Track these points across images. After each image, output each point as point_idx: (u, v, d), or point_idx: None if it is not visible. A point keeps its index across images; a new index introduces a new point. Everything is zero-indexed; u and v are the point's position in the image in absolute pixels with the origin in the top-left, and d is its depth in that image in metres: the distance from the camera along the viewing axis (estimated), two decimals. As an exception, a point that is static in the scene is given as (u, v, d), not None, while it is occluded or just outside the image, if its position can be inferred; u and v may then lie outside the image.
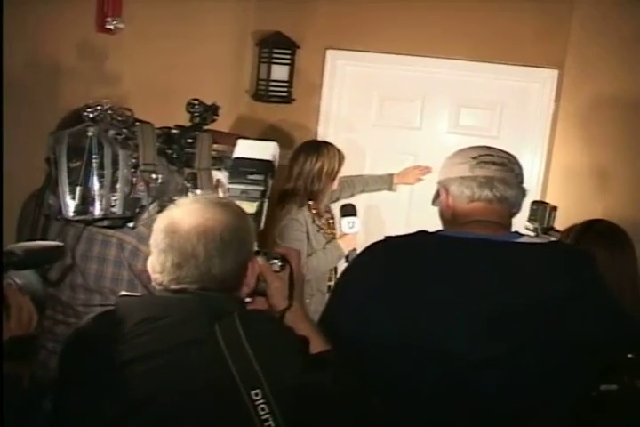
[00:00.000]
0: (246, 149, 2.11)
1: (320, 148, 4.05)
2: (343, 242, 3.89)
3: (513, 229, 2.07)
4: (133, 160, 2.25)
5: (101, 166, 2.20)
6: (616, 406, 2.06)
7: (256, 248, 1.82)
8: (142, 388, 1.58)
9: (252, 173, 2.04)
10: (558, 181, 4.86)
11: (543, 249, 1.98)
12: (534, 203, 3.36)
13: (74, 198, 2.21)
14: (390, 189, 4.64)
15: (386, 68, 5.11)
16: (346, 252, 3.84)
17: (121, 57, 3.56)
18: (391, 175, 4.63)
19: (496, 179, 2.01)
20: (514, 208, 2.06)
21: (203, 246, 1.67)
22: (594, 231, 2.75)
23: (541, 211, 3.26)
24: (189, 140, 2.36)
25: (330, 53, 5.13)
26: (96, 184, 2.20)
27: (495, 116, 5.08)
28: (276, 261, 1.86)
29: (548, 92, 4.92)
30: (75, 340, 1.76)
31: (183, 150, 2.36)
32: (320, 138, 4.92)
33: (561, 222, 3.20)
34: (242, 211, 1.81)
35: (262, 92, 5.07)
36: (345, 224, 3.86)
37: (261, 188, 2.03)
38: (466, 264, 1.91)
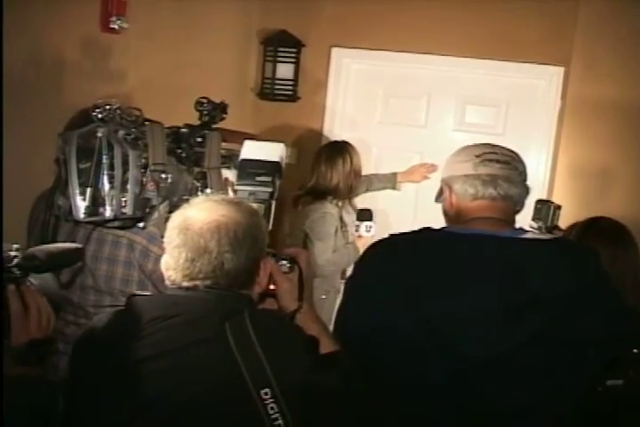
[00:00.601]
0: (253, 150, 2.11)
1: (347, 147, 4.21)
2: (360, 245, 4.01)
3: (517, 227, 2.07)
4: (143, 160, 2.25)
5: (111, 167, 2.19)
6: (622, 401, 2.06)
7: None
8: (154, 387, 1.58)
9: (260, 175, 2.04)
10: (564, 179, 4.84)
11: (548, 245, 1.99)
12: (538, 202, 3.35)
13: (84, 200, 2.20)
14: (394, 187, 4.65)
15: (391, 65, 5.10)
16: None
17: (125, 56, 3.56)
18: (395, 174, 4.64)
19: (500, 177, 2.01)
20: (517, 206, 2.07)
21: (216, 242, 1.68)
22: (596, 229, 2.75)
23: (545, 210, 3.26)
24: (198, 139, 2.35)
25: (335, 51, 5.13)
26: (106, 185, 2.19)
27: (501, 113, 5.07)
28: (284, 262, 1.87)
29: (554, 90, 4.90)
30: (85, 340, 1.76)
31: (192, 149, 2.35)
32: (325, 136, 4.92)
33: (567, 221, 3.20)
34: (254, 209, 1.83)
35: (268, 90, 5.08)
36: (363, 228, 4.02)
37: (269, 189, 2.03)
38: (471, 260, 1.92)
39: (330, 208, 4.00)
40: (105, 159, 2.18)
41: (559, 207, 3.27)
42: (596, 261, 2.01)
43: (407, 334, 1.91)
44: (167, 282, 1.75)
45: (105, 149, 2.18)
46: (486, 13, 4.82)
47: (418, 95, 5.15)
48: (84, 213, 2.17)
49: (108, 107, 2.20)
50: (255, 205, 1.91)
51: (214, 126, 2.46)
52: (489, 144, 2.10)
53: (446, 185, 2.10)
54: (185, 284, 1.70)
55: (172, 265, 1.72)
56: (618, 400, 2.04)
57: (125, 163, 2.19)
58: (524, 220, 2.62)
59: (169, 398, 1.56)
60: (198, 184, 2.39)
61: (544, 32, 4.80)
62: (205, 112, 2.46)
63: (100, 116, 2.18)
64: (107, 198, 2.18)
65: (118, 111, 2.22)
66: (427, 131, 5.16)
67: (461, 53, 4.92)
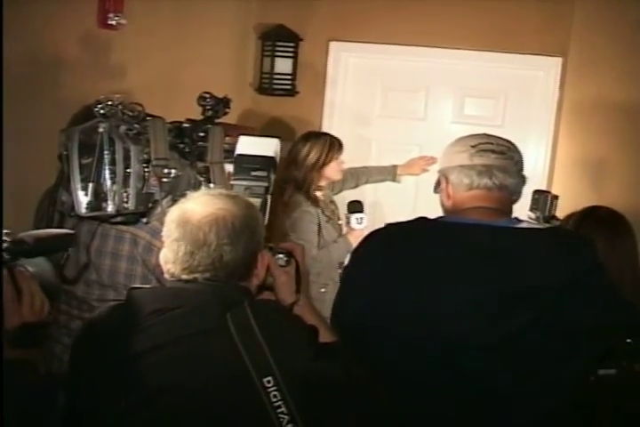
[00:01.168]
0: (248, 145, 2.13)
1: (309, 137, 4.09)
2: (352, 237, 3.92)
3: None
4: (145, 155, 2.26)
5: (113, 162, 2.21)
6: (614, 391, 2.07)
7: None
8: (156, 378, 1.59)
9: (255, 170, 2.06)
10: (564, 170, 4.85)
11: (542, 234, 2.01)
12: (536, 192, 3.35)
13: (86, 195, 2.22)
14: (394, 179, 4.64)
15: (389, 58, 5.11)
16: (354, 246, 3.85)
17: (124, 52, 3.56)
18: (395, 166, 4.63)
19: (495, 167, 2.02)
20: (514, 195, 2.08)
21: (215, 234, 1.70)
22: (593, 218, 2.75)
23: (543, 200, 3.26)
24: (201, 134, 2.37)
25: (333, 45, 5.13)
26: (108, 180, 2.21)
27: (499, 105, 5.07)
28: (281, 255, 1.90)
29: (552, 81, 4.90)
30: (85, 334, 1.78)
31: (195, 144, 2.37)
32: (325, 130, 4.92)
33: (566, 212, 3.21)
34: (251, 203, 1.85)
35: (266, 85, 5.08)
36: (354, 220, 3.92)
37: (265, 184, 2.05)
38: (464, 249, 1.93)
39: (306, 206, 3.92)
40: (106, 154, 2.19)
41: (556, 197, 3.27)
42: (590, 250, 2.02)
43: (401, 322, 1.92)
44: (166, 275, 1.78)
45: (106, 144, 2.19)
46: (483, 5, 4.82)
47: (416, 88, 5.16)
48: (86, 208, 2.19)
49: (110, 102, 2.22)
50: (251, 200, 1.92)
51: (217, 121, 2.48)
52: (485, 134, 2.11)
53: (443, 176, 2.11)
54: (184, 277, 1.73)
55: (171, 258, 1.74)
56: (610, 390, 2.05)
57: (127, 158, 2.21)
58: (522, 210, 2.63)
59: (172, 389, 1.58)
60: (202, 179, 2.40)
61: (541, 23, 4.80)
62: (208, 107, 2.48)
63: (101, 111, 2.20)
64: (109, 193, 2.20)
65: (120, 107, 2.24)
66: (426, 123, 5.17)
67: (459, 45, 4.92)
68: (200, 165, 2.37)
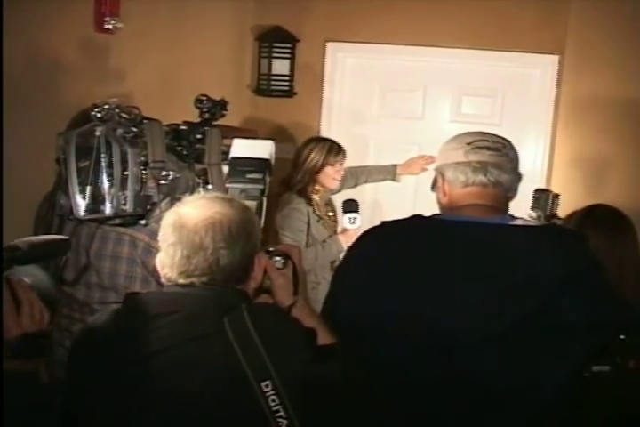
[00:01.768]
0: (243, 148, 2.13)
1: (310, 142, 4.11)
2: (344, 237, 3.90)
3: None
4: (142, 158, 2.27)
5: (110, 165, 2.21)
6: (608, 388, 2.07)
7: None
8: (154, 383, 1.59)
9: (250, 172, 2.06)
10: (562, 168, 4.85)
11: (537, 231, 2.02)
12: (537, 191, 3.36)
13: (84, 198, 2.22)
14: (394, 179, 4.64)
15: (386, 58, 5.12)
16: (345, 247, 3.84)
17: (121, 55, 3.57)
18: (395, 166, 4.62)
19: (490, 164, 2.03)
20: (509, 193, 2.08)
21: (211, 238, 1.69)
22: (594, 216, 2.75)
23: (544, 198, 3.26)
24: (198, 136, 2.38)
25: (330, 46, 5.14)
26: (105, 183, 2.22)
27: (497, 103, 5.08)
28: (278, 258, 1.88)
29: (549, 78, 4.91)
30: (84, 339, 1.77)
31: (193, 146, 2.37)
32: (323, 130, 4.93)
33: (565, 210, 3.21)
34: (246, 206, 1.84)
35: (264, 86, 5.09)
36: (346, 220, 3.90)
37: (260, 186, 2.05)
38: (459, 246, 1.94)
39: (296, 203, 3.93)
40: (104, 157, 2.20)
41: (557, 196, 3.28)
42: (584, 247, 2.03)
43: (396, 321, 1.92)
44: (163, 280, 1.77)
45: (103, 147, 2.20)
46: (480, 4, 4.82)
47: (414, 87, 5.17)
48: (85, 211, 2.19)
49: (106, 106, 2.22)
50: (249, 202, 1.92)
51: (214, 123, 2.48)
52: (480, 132, 2.12)
53: (439, 173, 2.12)
54: (181, 281, 1.72)
55: (168, 263, 1.73)
56: (604, 386, 2.05)
57: (124, 161, 2.21)
58: (524, 209, 2.63)
59: (171, 394, 1.58)
60: (200, 181, 2.41)
61: (538, 21, 4.81)
62: (205, 109, 2.48)
63: (98, 115, 2.20)
64: (106, 196, 2.20)
65: (117, 110, 2.24)
66: (424, 123, 5.18)
67: (456, 44, 4.92)
68: (198, 167, 2.38)
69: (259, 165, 2.08)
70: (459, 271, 1.91)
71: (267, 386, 1.55)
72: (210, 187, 2.31)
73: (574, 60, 4.73)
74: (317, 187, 4.04)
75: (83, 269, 2.44)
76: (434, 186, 2.17)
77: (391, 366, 1.89)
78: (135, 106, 2.30)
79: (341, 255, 3.87)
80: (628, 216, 2.78)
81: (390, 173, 4.61)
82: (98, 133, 2.20)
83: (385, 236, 2.07)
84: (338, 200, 4.22)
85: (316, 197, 4.05)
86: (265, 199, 2.08)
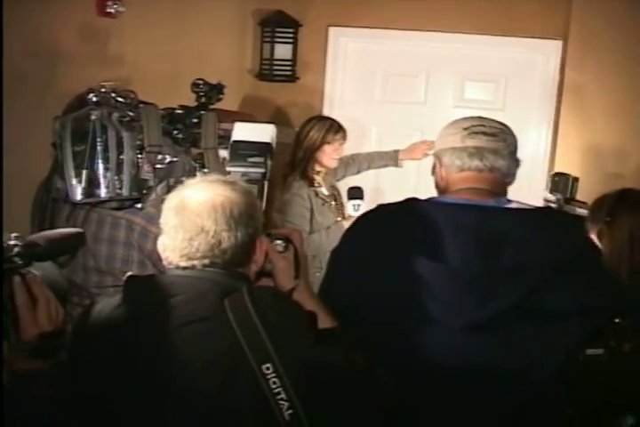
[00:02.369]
0: (244, 131, 2.13)
1: (311, 120, 4.15)
2: (348, 224, 3.90)
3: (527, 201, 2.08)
4: (138, 142, 2.27)
5: (106, 149, 2.22)
6: (603, 371, 2.08)
7: None
8: (157, 367, 1.59)
9: (251, 156, 2.06)
10: (565, 152, 4.84)
11: (531, 215, 2.01)
12: (556, 174, 3.37)
13: (80, 182, 2.23)
14: (396, 164, 4.63)
15: (389, 43, 5.10)
16: None
17: (122, 40, 3.56)
18: (397, 151, 4.61)
19: (486, 149, 2.03)
20: (507, 178, 2.08)
21: (213, 221, 1.69)
22: (628, 200, 2.73)
23: (564, 182, 3.28)
24: (194, 120, 2.38)
25: (332, 31, 5.12)
26: (101, 167, 2.22)
27: (500, 88, 5.07)
28: (279, 241, 1.88)
29: (552, 64, 4.89)
30: (84, 322, 1.75)
31: (189, 130, 2.37)
32: (325, 115, 4.92)
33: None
34: (248, 188, 1.84)
35: (266, 71, 5.08)
36: (350, 207, 3.92)
37: (262, 170, 2.05)
38: (450, 229, 1.94)
39: (297, 188, 3.94)
40: (99, 141, 2.20)
41: (577, 179, 3.29)
42: (579, 230, 2.04)
43: (389, 303, 1.93)
44: (165, 262, 1.77)
45: (99, 131, 2.20)
46: (482, -11, 4.80)
47: (416, 73, 5.15)
48: (81, 195, 2.19)
49: (102, 90, 2.22)
50: (250, 185, 1.92)
51: (211, 107, 2.48)
52: (478, 117, 2.12)
53: (437, 158, 2.13)
54: (183, 264, 1.72)
55: (170, 246, 1.73)
56: (598, 370, 2.05)
57: (120, 145, 2.22)
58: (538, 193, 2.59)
59: (171, 377, 1.58)
60: (196, 165, 2.41)
61: (541, 6, 4.78)
62: (202, 93, 2.48)
63: (94, 99, 2.20)
64: (102, 180, 2.21)
65: (113, 94, 2.24)
66: (426, 108, 5.16)
67: (459, 30, 4.90)
68: (194, 151, 2.38)
69: (260, 148, 2.07)
70: (450, 253, 1.91)
71: (267, 369, 1.55)
72: (206, 171, 2.32)
73: (578, 46, 4.71)
74: (317, 167, 4.05)
75: (75, 252, 2.44)
76: (434, 170, 2.17)
77: (384, 350, 1.89)
78: (131, 90, 2.30)
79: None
80: None
81: (392, 158, 4.60)
82: (93, 118, 2.21)
83: (379, 219, 2.08)
84: (342, 188, 4.22)
85: (318, 178, 4.05)
86: (266, 183, 2.08)
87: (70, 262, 2.44)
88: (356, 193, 3.93)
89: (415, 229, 1.97)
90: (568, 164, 4.74)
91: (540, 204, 4.18)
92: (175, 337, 1.60)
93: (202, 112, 2.39)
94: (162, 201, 1.80)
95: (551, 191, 3.30)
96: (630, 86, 4.47)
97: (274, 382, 1.55)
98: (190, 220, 1.70)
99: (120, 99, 2.25)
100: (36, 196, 2.59)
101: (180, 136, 2.37)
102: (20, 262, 1.57)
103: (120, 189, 2.24)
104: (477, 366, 1.90)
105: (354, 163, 4.45)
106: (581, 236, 2.03)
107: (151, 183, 2.31)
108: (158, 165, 2.29)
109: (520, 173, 2.13)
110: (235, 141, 2.12)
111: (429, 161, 2.20)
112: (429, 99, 5.17)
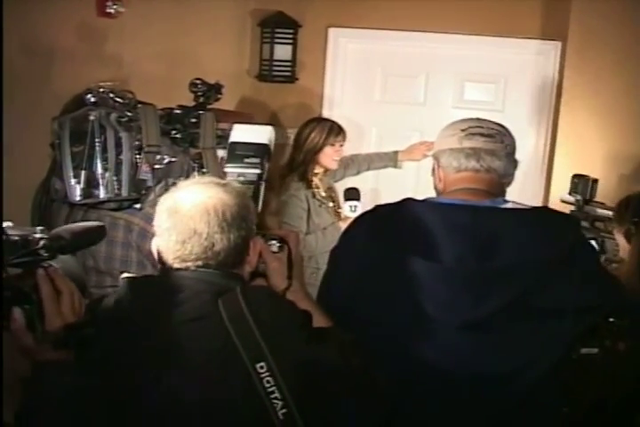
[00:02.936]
0: (242, 133, 2.13)
1: (310, 122, 4.15)
2: (345, 225, 3.90)
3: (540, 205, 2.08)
4: (137, 142, 2.27)
5: (105, 149, 2.22)
6: (597, 370, 2.08)
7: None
8: (150, 365, 1.59)
9: (248, 157, 2.06)
10: (565, 153, 4.84)
11: (526, 214, 2.03)
12: (575, 176, 3.42)
13: (79, 182, 2.23)
14: (396, 165, 4.64)
15: (388, 44, 5.10)
16: None
17: (121, 40, 3.57)
18: (396, 152, 4.63)
19: (483, 150, 2.05)
20: (504, 178, 2.10)
21: (205, 223, 1.69)
22: None
23: (583, 183, 3.35)
24: (193, 120, 2.38)
25: (332, 31, 5.12)
26: (100, 167, 2.22)
27: (499, 89, 5.07)
28: (274, 242, 1.90)
29: (551, 65, 4.89)
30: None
31: (187, 130, 2.37)
32: (325, 116, 4.92)
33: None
34: (241, 190, 1.84)
35: (266, 72, 5.08)
36: (347, 208, 3.92)
37: (258, 171, 2.05)
38: (445, 229, 1.96)
39: (294, 190, 3.95)
40: (98, 142, 2.20)
41: (596, 181, 3.33)
42: (575, 229, 2.06)
43: (385, 302, 1.95)
44: (158, 264, 1.78)
45: (97, 131, 2.20)
46: (482, -11, 4.80)
47: (416, 73, 5.15)
48: (80, 196, 2.20)
49: (100, 90, 2.23)
50: (244, 187, 1.92)
51: (209, 107, 2.48)
52: (477, 119, 2.14)
53: (435, 159, 2.16)
54: (176, 265, 1.72)
55: (163, 248, 1.74)
56: (593, 369, 2.06)
57: (119, 145, 2.22)
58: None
59: (165, 376, 1.58)
60: (194, 165, 2.41)
61: (540, 7, 4.79)
62: (200, 93, 2.49)
63: (92, 99, 2.21)
64: (101, 180, 2.21)
65: (111, 94, 2.25)
66: (426, 109, 5.16)
67: (458, 30, 4.90)
68: (192, 151, 2.38)
69: (257, 149, 2.08)
70: (446, 253, 1.93)
71: (261, 368, 1.56)
72: (204, 171, 2.32)
73: (577, 47, 4.70)
74: (317, 169, 4.06)
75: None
76: (433, 172, 2.19)
77: (380, 346, 1.89)
78: (129, 90, 2.31)
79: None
80: None
81: (392, 159, 4.61)
82: (92, 118, 2.21)
83: (376, 219, 2.10)
84: (340, 189, 4.22)
85: (316, 180, 4.05)
86: (263, 184, 2.08)
87: None
88: (352, 194, 3.94)
89: (411, 229, 1.98)
90: (567, 164, 4.74)
91: (539, 204, 4.21)
92: (169, 337, 1.61)
93: (200, 112, 2.39)
94: (160, 201, 1.81)
95: (570, 193, 3.35)
96: (630, 87, 4.47)
97: (268, 382, 1.56)
98: (183, 222, 1.70)
99: (118, 99, 2.25)
100: (35, 197, 2.60)
101: (178, 136, 2.38)
102: (46, 255, 1.60)
103: (119, 189, 2.24)
104: (473, 364, 1.92)
105: (353, 164, 4.46)
106: (576, 235, 2.05)
107: (150, 183, 2.32)
108: (157, 166, 2.29)
109: (519, 173, 2.14)
110: (232, 143, 2.12)
111: (429, 162, 2.22)
112: (429, 99, 5.17)
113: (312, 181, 4.03)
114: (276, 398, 1.55)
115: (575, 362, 2.00)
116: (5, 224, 1.59)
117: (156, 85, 3.48)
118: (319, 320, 1.80)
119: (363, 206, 3.87)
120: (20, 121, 2.81)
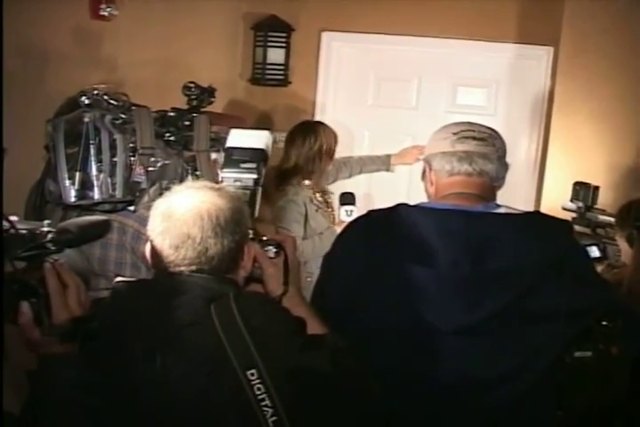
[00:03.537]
0: (239, 138, 2.13)
1: (316, 127, 4.12)
2: (340, 229, 3.91)
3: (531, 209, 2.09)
4: (131, 144, 2.27)
5: (99, 151, 2.22)
6: (591, 374, 2.08)
7: (251, 235, 1.84)
8: (142, 372, 1.59)
9: (244, 162, 2.06)
10: (557, 158, 4.86)
11: (518, 219, 2.03)
12: (577, 184, 3.44)
13: (73, 184, 2.23)
14: (388, 169, 4.64)
15: (381, 48, 5.12)
16: None
17: (115, 43, 3.58)
18: (389, 156, 4.62)
19: (475, 153, 2.05)
20: (495, 182, 2.10)
21: (199, 228, 1.68)
22: None
23: (585, 191, 3.36)
24: (187, 123, 2.38)
25: (325, 35, 5.14)
26: (94, 169, 2.23)
27: (492, 94, 5.09)
28: (270, 247, 1.88)
29: (543, 70, 4.92)
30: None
31: (181, 133, 2.38)
32: (317, 119, 4.92)
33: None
34: (235, 195, 1.83)
35: (259, 75, 5.09)
36: (343, 213, 3.90)
37: (254, 176, 2.05)
38: (438, 234, 1.95)
39: (292, 195, 3.95)
40: (92, 144, 2.20)
41: (597, 188, 3.34)
42: (567, 234, 2.06)
43: (380, 308, 1.95)
44: (152, 269, 1.78)
45: (92, 133, 2.21)
46: (475, -5, 4.83)
47: (408, 78, 5.17)
48: (74, 197, 2.20)
49: (94, 92, 2.23)
50: (240, 192, 1.92)
51: (203, 110, 2.49)
52: (468, 122, 2.14)
53: (426, 163, 2.15)
54: (170, 270, 1.71)
55: (157, 252, 1.73)
56: (586, 372, 2.06)
57: (113, 147, 2.22)
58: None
59: (156, 381, 1.58)
60: (188, 167, 2.42)
61: (532, 12, 4.82)
62: (193, 96, 2.49)
63: (86, 101, 2.21)
64: (95, 182, 2.21)
65: (105, 97, 2.25)
66: (418, 113, 5.18)
67: (451, 35, 4.93)
68: (186, 153, 2.39)
69: (254, 154, 2.07)
70: (438, 258, 1.92)
71: (252, 375, 1.55)
72: (198, 173, 2.32)
73: (569, 52, 4.71)
74: (314, 173, 4.06)
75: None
76: (423, 176, 2.19)
77: (373, 351, 1.90)
78: (124, 92, 2.31)
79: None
80: None
81: (384, 163, 4.61)
82: (86, 120, 2.21)
83: (369, 224, 2.09)
84: (333, 192, 4.23)
85: (313, 184, 4.06)
86: (259, 189, 2.08)
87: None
88: (348, 199, 3.93)
89: (404, 234, 1.98)
90: (559, 169, 4.76)
91: (530, 208, 4.23)
92: (160, 342, 1.60)
93: (194, 115, 2.40)
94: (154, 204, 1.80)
95: (572, 200, 3.37)
96: (622, 92, 4.49)
97: (258, 389, 1.55)
98: (176, 227, 1.69)
99: (112, 101, 2.25)
100: (29, 198, 2.60)
101: (172, 139, 2.38)
102: (54, 248, 1.61)
103: (113, 191, 2.25)
104: (467, 368, 1.92)
105: (345, 167, 4.46)
106: (568, 239, 2.05)
107: (144, 186, 2.32)
108: (151, 168, 2.29)
109: (511, 177, 2.15)
110: (228, 148, 2.12)
111: (421, 166, 2.21)
112: (421, 104, 5.19)
113: (309, 185, 4.03)
114: (266, 405, 1.54)
115: (569, 365, 2.00)
116: (12, 218, 1.60)
117: (149, 88, 3.49)
118: (314, 327, 1.79)
119: (357, 211, 3.88)
120: (14, 123, 2.80)
